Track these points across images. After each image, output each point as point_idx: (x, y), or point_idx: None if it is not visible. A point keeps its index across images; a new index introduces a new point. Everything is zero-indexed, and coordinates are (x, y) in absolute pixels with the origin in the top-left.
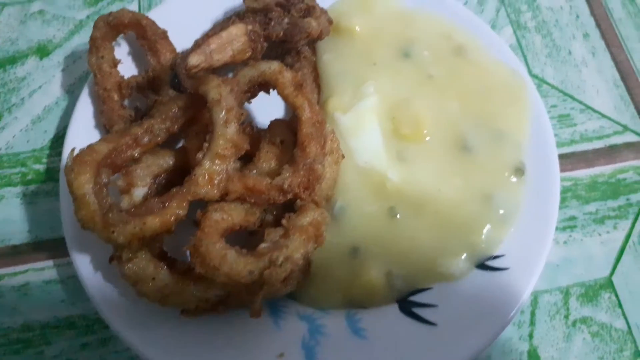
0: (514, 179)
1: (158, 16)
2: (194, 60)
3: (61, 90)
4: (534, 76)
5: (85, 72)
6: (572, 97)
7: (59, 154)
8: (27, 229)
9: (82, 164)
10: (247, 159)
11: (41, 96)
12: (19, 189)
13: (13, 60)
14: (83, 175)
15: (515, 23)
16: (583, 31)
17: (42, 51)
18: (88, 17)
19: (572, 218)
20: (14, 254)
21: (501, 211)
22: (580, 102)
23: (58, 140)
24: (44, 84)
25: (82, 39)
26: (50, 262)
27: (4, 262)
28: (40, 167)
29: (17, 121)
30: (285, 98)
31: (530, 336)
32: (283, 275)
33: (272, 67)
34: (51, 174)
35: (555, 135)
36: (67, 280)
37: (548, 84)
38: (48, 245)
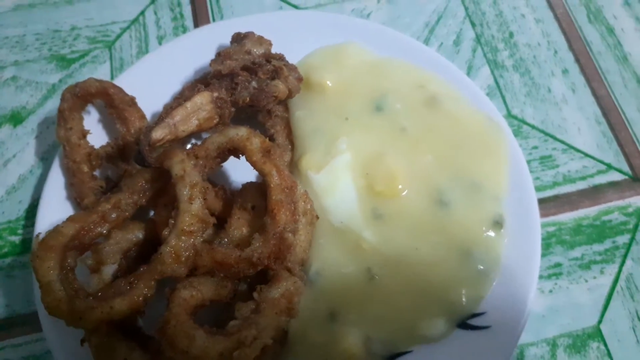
0: (492, 234)
1: (126, 81)
2: (158, 134)
3: (35, 159)
4: (513, 117)
5: None
6: (553, 137)
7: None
8: (4, 304)
9: (47, 250)
10: (219, 223)
11: (15, 165)
12: None
13: None
14: (48, 261)
15: (493, 62)
16: (562, 67)
17: (16, 119)
18: (60, 80)
19: (557, 265)
20: None
21: (481, 267)
22: (562, 142)
23: (33, 210)
24: (18, 152)
25: (55, 103)
26: (27, 338)
27: None
28: (16, 239)
29: None
30: (253, 165)
31: None
32: (253, 356)
33: (239, 133)
34: (27, 246)
35: (538, 178)
36: (44, 356)
37: (528, 124)
38: (25, 319)
